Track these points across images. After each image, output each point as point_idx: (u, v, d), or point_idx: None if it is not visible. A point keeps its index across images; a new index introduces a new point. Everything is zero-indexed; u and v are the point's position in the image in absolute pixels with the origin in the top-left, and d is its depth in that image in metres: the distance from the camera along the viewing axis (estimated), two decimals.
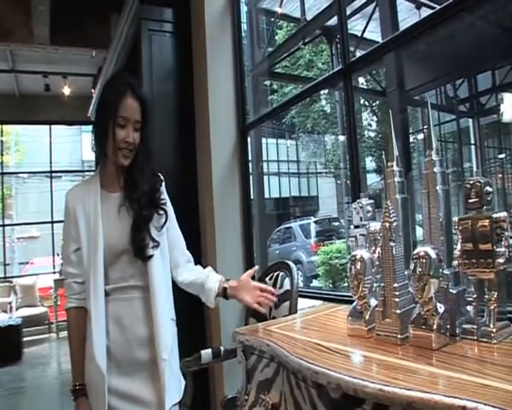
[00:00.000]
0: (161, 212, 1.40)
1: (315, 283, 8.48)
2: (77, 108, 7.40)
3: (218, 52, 2.86)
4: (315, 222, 11.06)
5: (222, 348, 2.03)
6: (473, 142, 8.46)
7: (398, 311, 1.07)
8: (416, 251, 1.04)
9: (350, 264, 1.21)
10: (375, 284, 1.22)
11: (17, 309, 7.01)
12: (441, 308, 1.02)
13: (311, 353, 1.07)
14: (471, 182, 1.06)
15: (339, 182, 13.49)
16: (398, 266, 1.10)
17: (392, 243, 1.11)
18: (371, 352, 1.04)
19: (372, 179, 12.15)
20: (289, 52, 8.46)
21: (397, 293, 1.08)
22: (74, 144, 11.31)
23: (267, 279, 2.02)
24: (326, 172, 15.00)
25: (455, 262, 1.06)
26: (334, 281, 8.26)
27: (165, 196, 1.47)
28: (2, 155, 9.38)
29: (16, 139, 12.24)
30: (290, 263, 1.96)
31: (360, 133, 12.89)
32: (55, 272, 7.85)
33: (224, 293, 1.46)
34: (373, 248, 1.30)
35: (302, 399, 1.06)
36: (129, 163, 1.37)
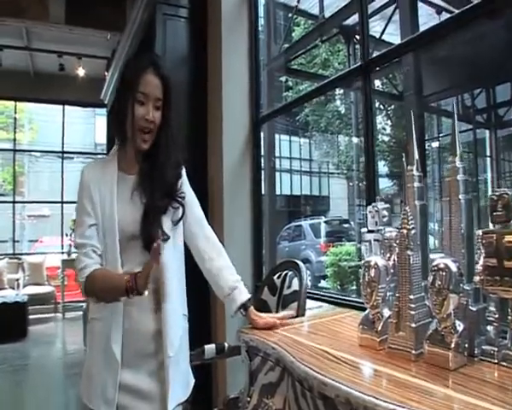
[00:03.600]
0: (176, 205, 1.34)
1: (323, 283, 8.46)
2: (91, 90, 7.36)
3: (233, 41, 2.80)
4: (325, 222, 11.02)
5: (226, 345, 1.99)
6: (488, 154, 8.29)
7: (414, 325, 1.02)
8: (435, 262, 0.99)
9: (364, 270, 1.16)
10: (388, 293, 1.17)
11: (24, 286, 7.07)
12: (460, 326, 0.96)
13: (319, 361, 1.03)
14: (497, 193, 0.99)
15: (351, 184, 13.41)
16: (414, 276, 1.05)
17: (409, 252, 1.05)
18: (383, 366, 0.99)
19: (384, 184, 12.07)
20: (306, 49, 8.34)
21: (413, 305, 1.03)
22: (87, 126, 11.30)
23: (275, 278, 1.98)
24: (338, 173, 14.92)
25: (476, 278, 1.00)
26: (342, 283, 8.24)
27: (185, 188, 1.40)
28: (15, 132, 9.42)
29: (30, 117, 12.26)
30: (299, 263, 1.91)
31: (374, 136, 12.70)
32: (63, 252, 7.89)
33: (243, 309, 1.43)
34: (387, 254, 1.25)
35: (307, 408, 1.02)
36: (149, 146, 1.31)
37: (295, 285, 1.85)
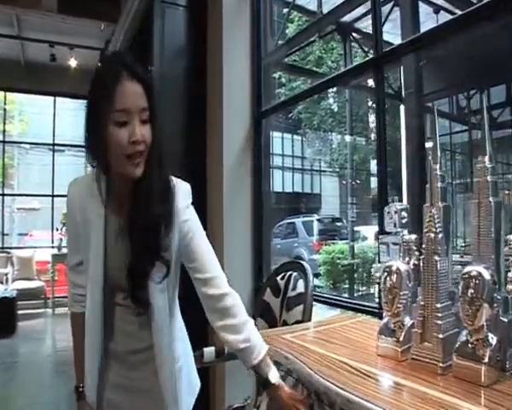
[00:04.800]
0: (159, 263, 1.08)
1: (315, 281, 8.47)
2: (83, 82, 7.06)
3: (234, 31, 2.70)
4: (318, 220, 11.01)
5: (226, 348, 1.92)
6: None
7: (441, 335, 0.95)
8: (466, 270, 0.92)
9: (385, 276, 1.08)
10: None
11: (13, 281, 6.91)
12: (493, 339, 0.89)
13: (340, 374, 0.96)
14: None
15: (343, 182, 13.41)
16: (442, 283, 0.98)
17: (436, 258, 0.98)
18: (408, 380, 0.92)
19: (374, 183, 12.06)
20: (303, 45, 8.26)
21: (440, 315, 0.96)
22: (79, 119, 11.08)
23: (278, 279, 1.90)
24: (330, 171, 14.91)
25: (509, 287, 0.93)
26: (334, 282, 8.22)
27: (188, 225, 1.12)
28: (4, 123, 9.22)
29: (20, 109, 12.03)
30: (305, 264, 1.84)
31: (367, 135, 12.83)
32: (53, 247, 7.74)
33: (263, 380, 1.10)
34: (406, 258, 1.18)
35: None
36: (143, 169, 1.02)
37: (301, 287, 1.77)
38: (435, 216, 1.01)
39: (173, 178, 1.12)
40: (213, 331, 2.51)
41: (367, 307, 1.91)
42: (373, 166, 12.97)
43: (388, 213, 1.24)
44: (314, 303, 2.17)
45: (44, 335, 5.91)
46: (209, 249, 1.16)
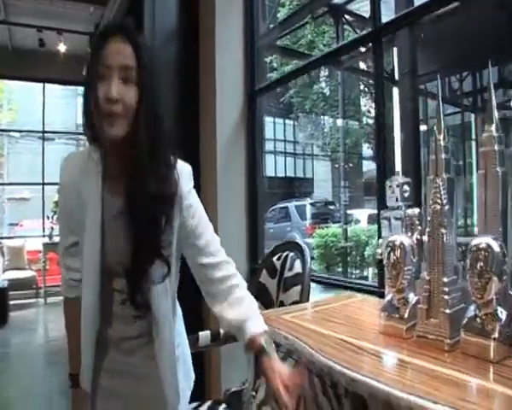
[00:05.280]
0: (160, 261, 1.00)
1: None
2: (72, 68, 7.06)
3: (227, 12, 2.62)
4: (311, 204, 11.01)
5: (221, 331, 1.88)
6: (474, 137, 8.33)
7: (448, 311, 0.91)
8: (474, 242, 0.87)
9: (388, 251, 1.04)
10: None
11: (4, 271, 6.83)
12: (502, 313, 0.85)
13: (342, 353, 0.91)
14: None
15: (336, 165, 13.41)
16: (448, 257, 0.94)
17: (443, 230, 0.94)
18: (415, 357, 0.88)
19: (368, 166, 12.10)
20: (294, 27, 8.14)
21: (446, 289, 0.92)
22: (69, 106, 10.92)
23: (274, 259, 1.86)
24: (323, 155, 14.90)
25: None
26: (328, 265, 8.23)
27: (191, 208, 1.05)
28: None
29: (9, 97, 11.83)
30: (301, 243, 1.80)
31: (359, 119, 12.78)
32: (44, 236, 7.64)
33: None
34: (409, 233, 1.14)
35: (329, 407, 0.90)
36: (122, 132, 0.93)
37: (298, 268, 1.73)
38: (441, 187, 0.97)
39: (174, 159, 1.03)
40: (208, 315, 2.47)
41: (364, 285, 1.88)
42: (365, 149, 13.01)
43: (390, 187, 1.20)
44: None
45: (36, 325, 5.85)
46: (215, 239, 1.10)
